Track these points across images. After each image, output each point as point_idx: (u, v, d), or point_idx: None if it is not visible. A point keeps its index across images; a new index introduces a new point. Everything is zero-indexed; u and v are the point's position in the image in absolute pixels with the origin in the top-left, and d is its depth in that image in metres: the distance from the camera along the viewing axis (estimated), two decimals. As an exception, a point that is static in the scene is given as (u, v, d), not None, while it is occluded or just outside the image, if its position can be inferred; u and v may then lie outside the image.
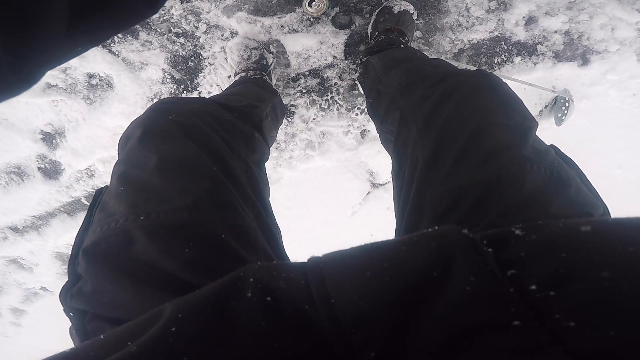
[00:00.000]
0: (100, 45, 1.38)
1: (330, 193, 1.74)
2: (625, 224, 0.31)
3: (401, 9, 1.30)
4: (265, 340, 0.28)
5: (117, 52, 1.41)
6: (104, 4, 0.31)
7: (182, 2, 1.32)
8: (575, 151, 1.60)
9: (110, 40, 1.38)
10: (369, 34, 1.40)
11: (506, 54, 1.46)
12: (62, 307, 0.51)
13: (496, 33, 1.42)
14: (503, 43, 1.44)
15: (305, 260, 0.35)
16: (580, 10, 1.38)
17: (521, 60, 1.46)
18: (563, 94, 1.48)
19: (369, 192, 1.76)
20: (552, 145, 0.67)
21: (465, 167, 0.59)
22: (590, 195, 0.57)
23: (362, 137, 1.63)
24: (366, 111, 1.55)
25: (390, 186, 1.69)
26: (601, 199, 0.58)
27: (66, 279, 0.53)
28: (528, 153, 0.58)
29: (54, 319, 2.33)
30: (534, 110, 1.58)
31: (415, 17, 1.34)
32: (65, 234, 1.90)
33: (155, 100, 1.51)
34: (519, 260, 0.29)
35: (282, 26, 1.40)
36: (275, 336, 0.28)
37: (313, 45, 1.44)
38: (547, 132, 1.57)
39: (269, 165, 1.66)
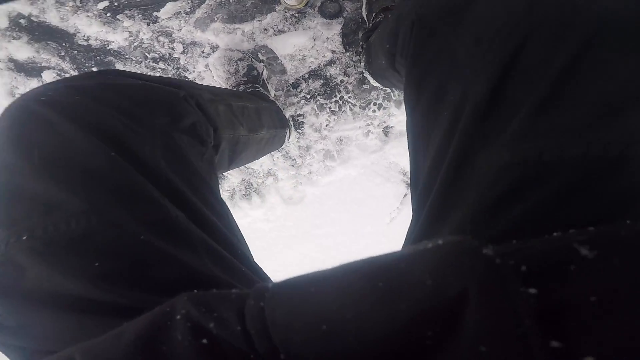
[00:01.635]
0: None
1: (361, 203, 1.52)
2: None
3: (397, -21, 1.04)
4: None
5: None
6: None
7: (148, 25, 1.18)
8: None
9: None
10: (365, 18, 1.16)
11: None
12: None
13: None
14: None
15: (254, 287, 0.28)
16: None
17: None
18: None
19: (405, 195, 1.52)
20: None
21: (560, 122, 0.32)
22: None
23: (386, 135, 1.40)
24: (382, 105, 1.32)
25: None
26: None
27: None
28: None
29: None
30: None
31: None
32: None
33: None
34: (577, 318, 0.18)
35: (265, 29, 1.21)
36: None
37: (306, 43, 1.24)
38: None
39: (288, 186, 1.48)
